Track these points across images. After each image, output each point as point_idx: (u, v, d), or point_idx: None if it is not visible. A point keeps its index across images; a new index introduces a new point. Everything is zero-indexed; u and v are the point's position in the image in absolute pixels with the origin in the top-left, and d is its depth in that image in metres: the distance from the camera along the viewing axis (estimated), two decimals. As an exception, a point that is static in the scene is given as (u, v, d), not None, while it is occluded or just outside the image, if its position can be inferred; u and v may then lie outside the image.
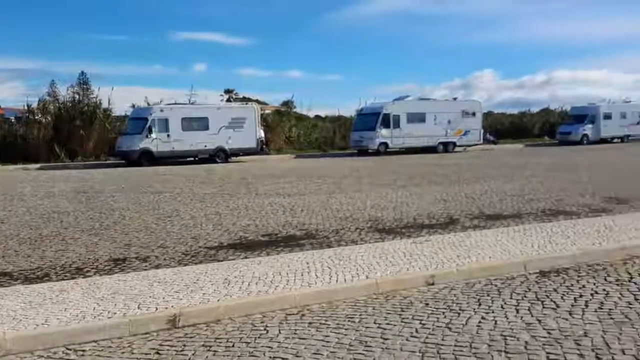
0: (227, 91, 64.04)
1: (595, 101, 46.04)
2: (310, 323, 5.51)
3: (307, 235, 9.72)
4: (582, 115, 43.52)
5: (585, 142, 42.04)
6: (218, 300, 5.97)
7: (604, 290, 6.28)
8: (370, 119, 35.79)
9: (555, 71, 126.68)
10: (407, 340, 4.97)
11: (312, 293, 6.25)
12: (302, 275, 6.89)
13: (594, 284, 6.55)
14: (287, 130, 41.93)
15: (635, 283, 6.52)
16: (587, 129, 42.60)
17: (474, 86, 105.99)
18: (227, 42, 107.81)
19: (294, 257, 7.94)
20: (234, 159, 32.61)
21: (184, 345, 5.04)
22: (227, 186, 18.29)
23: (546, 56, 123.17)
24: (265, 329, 5.38)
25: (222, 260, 7.95)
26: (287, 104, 50.05)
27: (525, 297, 6.13)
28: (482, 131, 39.66)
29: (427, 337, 5.02)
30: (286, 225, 10.66)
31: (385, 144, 35.57)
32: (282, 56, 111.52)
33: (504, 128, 51.72)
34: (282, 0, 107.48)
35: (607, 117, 43.39)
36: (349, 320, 5.53)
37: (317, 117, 50.56)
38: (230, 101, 51.24)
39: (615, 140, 43.85)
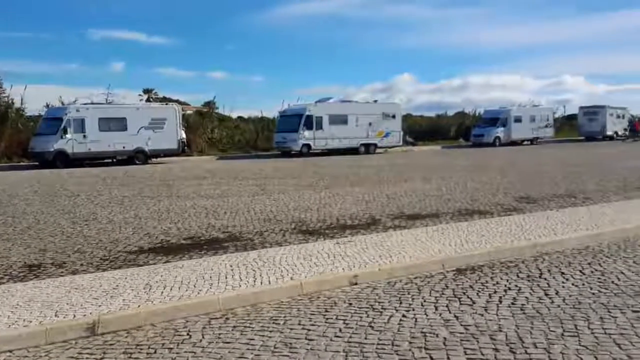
0: (147, 91, 62.49)
1: (507, 105, 48.08)
2: (234, 327, 5.50)
3: (231, 237, 9.66)
4: (494, 119, 45.34)
5: (497, 144, 43.80)
6: (139, 306, 5.85)
7: (517, 286, 6.59)
8: (294, 120, 35.92)
9: (471, 76, 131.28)
10: (331, 340, 5.05)
11: (236, 296, 6.23)
12: (225, 278, 6.85)
13: (507, 280, 6.86)
14: (209, 132, 41.43)
15: (545, 279, 6.88)
16: (499, 132, 44.40)
17: (395, 89, 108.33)
18: (148, 41, 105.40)
19: (217, 260, 7.88)
20: (154, 160, 31.92)
21: (104, 353, 4.92)
22: (147, 188, 17.89)
23: (462, 61, 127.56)
24: (188, 334, 5.33)
25: (142, 265, 7.78)
26: (209, 104, 49.34)
27: (443, 294, 6.35)
28: (402, 133, 40.58)
29: (350, 337, 5.11)
30: (209, 228, 10.56)
31: (308, 146, 35.80)
32: (204, 56, 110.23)
33: (422, 130, 53.09)
34: (205, 0, 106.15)
35: (518, 120, 45.41)
36: (273, 323, 5.56)
37: (240, 118, 50.18)
38: (150, 101, 50.10)
39: (525, 142, 45.92)
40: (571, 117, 60.12)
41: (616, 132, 49.89)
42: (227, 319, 5.75)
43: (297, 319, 5.64)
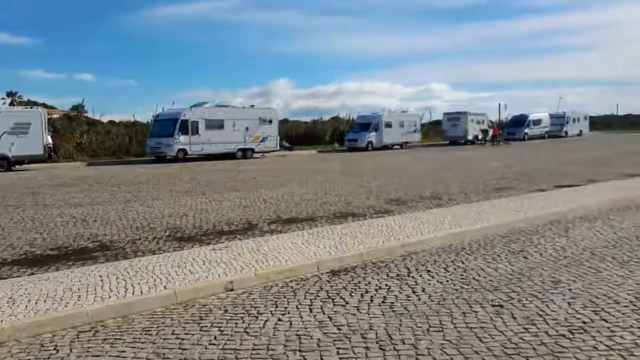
0: (10, 94, 58.28)
1: (379, 111, 49.80)
2: (104, 339, 5.30)
3: (101, 247, 9.30)
4: (367, 124, 46.82)
5: (370, 148, 45.25)
6: (1, 322, 5.49)
7: (387, 285, 6.88)
8: (168, 125, 35.06)
9: (345, 82, 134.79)
10: (205, 348, 5.01)
11: (106, 308, 6.01)
12: (95, 289, 6.59)
13: (378, 280, 7.14)
14: (78, 137, 39.44)
15: (413, 277, 7.23)
16: (372, 137, 45.90)
17: (272, 94, 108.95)
18: (11, 41, 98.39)
19: (86, 270, 7.55)
20: (18, 167, 29.90)
21: (-41, 376, 4.58)
22: (10, 197, 16.75)
23: (337, 68, 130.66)
24: (55, 349, 5.08)
25: (5, 278, 7.32)
26: (78, 108, 47.04)
27: (318, 296, 6.50)
28: (278, 138, 40.85)
29: (225, 343, 5.10)
30: (78, 237, 10.09)
31: (184, 151, 35.08)
32: (73, 58, 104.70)
33: (299, 135, 53.73)
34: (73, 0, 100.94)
35: (389, 125, 47.20)
36: (145, 334, 5.42)
37: (111, 122, 48.13)
38: (14, 105, 46.81)
39: (396, 146, 47.79)
40: (436, 123, 63.41)
41: (476, 137, 53.17)
42: (97, 331, 5.54)
43: (170, 329, 5.54)
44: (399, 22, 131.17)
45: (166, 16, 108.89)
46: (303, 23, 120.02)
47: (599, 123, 77.91)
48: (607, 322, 5.42)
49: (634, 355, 4.62)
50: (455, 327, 5.37)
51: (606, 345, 4.84)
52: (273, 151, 40.14)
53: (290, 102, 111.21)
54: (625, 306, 5.86)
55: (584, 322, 5.42)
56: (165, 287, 6.65)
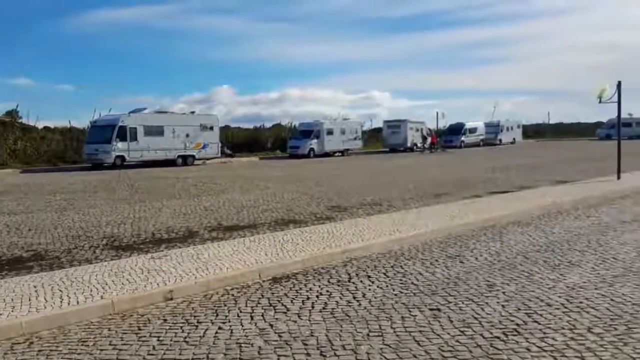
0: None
1: (321, 118, 50.11)
2: (39, 351, 5.16)
3: (36, 256, 9.02)
4: (309, 131, 46.97)
5: (312, 155, 45.42)
6: None
7: (328, 291, 6.94)
8: (106, 131, 34.25)
9: (288, 89, 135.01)
10: (144, 358, 4.94)
11: (41, 319, 5.84)
12: (29, 300, 6.39)
13: (320, 286, 7.19)
14: (11, 143, 38.04)
15: (353, 283, 7.32)
16: (314, 144, 46.09)
17: (214, 101, 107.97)
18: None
19: (20, 281, 7.32)
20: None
21: None
22: None
23: (280, 75, 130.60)
24: (-15, 364, 4.90)
25: None
26: (11, 114, 45.31)
27: (259, 303, 6.49)
28: (220, 144, 40.53)
29: (164, 353, 5.04)
30: (11, 247, 9.76)
31: (122, 157, 34.33)
32: (6, 62, 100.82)
33: (241, 142, 53.43)
34: (6, 1, 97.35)
35: (330, 132, 47.51)
36: (82, 345, 5.30)
37: (47, 128, 46.59)
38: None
39: (337, 154, 48.13)
40: (378, 130, 64.21)
41: (416, 144, 54.14)
42: (32, 343, 5.38)
43: (108, 340, 5.43)
44: (341, 30, 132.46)
45: (104, 20, 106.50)
46: (246, 30, 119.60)
47: (531, 131, 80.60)
48: (539, 324, 5.62)
49: (565, 356, 4.81)
50: (395, 332, 5.47)
51: (538, 347, 5.02)
52: (214, 158, 39.78)
53: (232, 108, 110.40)
54: (557, 308, 6.10)
55: (517, 325, 5.61)
56: (102, 297, 6.51)
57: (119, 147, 34.15)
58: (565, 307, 6.13)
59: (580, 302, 6.28)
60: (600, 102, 19.04)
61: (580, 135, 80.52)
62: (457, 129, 60.12)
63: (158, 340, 5.39)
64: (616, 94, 18.82)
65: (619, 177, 19.06)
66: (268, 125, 63.19)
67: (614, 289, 6.76)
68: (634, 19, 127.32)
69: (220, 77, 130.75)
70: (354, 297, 6.66)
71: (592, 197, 15.15)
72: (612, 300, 6.34)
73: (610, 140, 50.73)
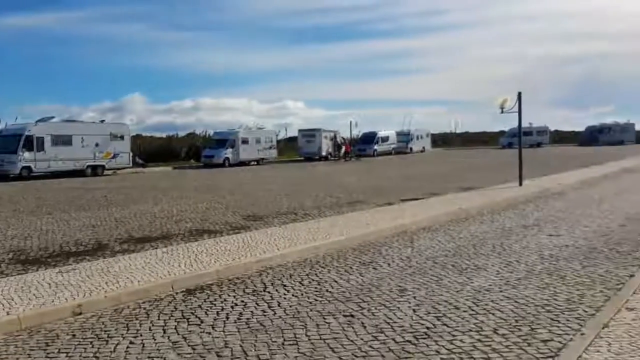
0: None
1: (235, 127, 49.78)
2: None
3: None
4: (223, 140, 46.56)
5: (227, 164, 45.01)
6: None
7: (243, 301, 6.91)
8: (11, 141, 32.64)
9: (202, 98, 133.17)
10: (51, 376, 4.75)
11: (-64, 340, 5.50)
12: None
13: (234, 296, 7.15)
14: None
15: (269, 292, 7.32)
16: (229, 153, 45.71)
17: (125, 109, 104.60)
18: None
19: None
20: None
21: None
22: None
23: (194, 83, 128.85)
24: None
25: None
26: None
27: (172, 316, 6.38)
28: (131, 154, 39.48)
29: (73, 370, 4.86)
30: None
31: (29, 168, 32.77)
32: None
33: (153, 151, 52.26)
34: None
35: (245, 142, 47.28)
36: (-17, 365, 5.03)
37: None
38: None
39: (252, 162, 47.94)
40: (292, 139, 64.46)
41: (330, 153, 54.75)
42: None
43: (14, 357, 5.20)
44: (256, 40, 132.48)
45: (7, 27, 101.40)
46: (157, 38, 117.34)
47: (439, 140, 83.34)
48: (448, 326, 5.83)
49: (472, 357, 5.01)
50: (309, 339, 5.52)
51: (447, 349, 5.21)
52: (125, 168, 38.68)
53: (144, 117, 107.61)
54: (465, 311, 6.34)
55: (427, 328, 5.80)
56: (8, 313, 6.22)
57: (26, 157, 32.61)
58: (472, 310, 6.38)
59: (486, 305, 6.56)
60: (502, 112, 20.01)
61: (485, 143, 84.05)
62: (370, 138, 61.27)
63: (67, 356, 5.20)
64: (517, 105, 19.82)
65: (520, 184, 20.03)
66: (182, 134, 62.23)
67: (518, 291, 7.10)
68: (536, 33, 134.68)
69: (131, 85, 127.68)
70: (269, 307, 6.66)
71: (496, 203, 15.85)
72: (516, 302, 6.65)
73: (512, 149, 53.22)
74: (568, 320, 5.94)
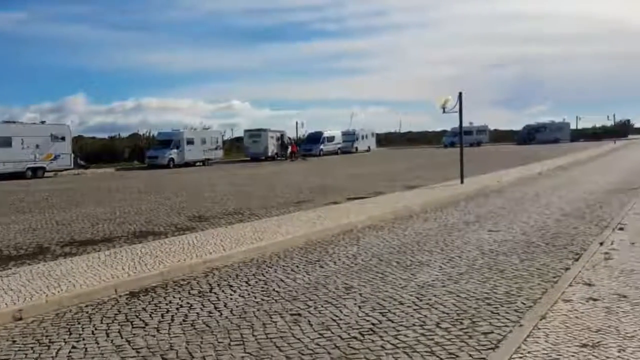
0: None
1: (181, 128, 49.23)
2: None
3: None
4: (168, 141, 45.93)
5: (172, 165, 44.42)
6: None
7: (188, 303, 6.86)
8: (-52, 143, 31.46)
9: (145, 98, 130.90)
10: (-11, 384, 4.62)
11: None
12: None
13: (180, 298, 7.09)
14: None
15: (215, 293, 7.29)
16: (173, 154, 45.11)
17: (67, 110, 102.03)
18: None
19: None
20: None
21: None
22: None
23: (137, 83, 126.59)
24: None
25: None
26: None
27: (115, 319, 6.28)
28: (72, 156, 38.53)
29: (13, 377, 4.74)
30: None
31: (-34, 171, 31.63)
32: None
33: (96, 152, 51.12)
34: None
35: (190, 142, 46.74)
36: None
37: None
38: None
39: (198, 163, 47.44)
40: (239, 139, 64.18)
41: (276, 153, 54.71)
42: None
43: (-53, 368, 5.01)
44: (201, 39, 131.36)
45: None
46: (98, 37, 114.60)
47: (384, 139, 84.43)
48: (392, 322, 5.94)
49: (416, 352, 5.12)
50: (256, 339, 5.53)
51: (392, 344, 5.31)
52: (67, 170, 37.72)
53: (86, 118, 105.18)
54: (409, 306, 6.47)
55: (373, 324, 5.89)
56: (-60, 322, 5.99)
57: (-37, 159, 31.45)
58: (416, 305, 6.52)
59: (430, 300, 6.71)
60: (444, 111, 20.44)
61: (428, 142, 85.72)
62: (316, 138, 61.57)
63: (5, 364, 5.06)
64: (457, 105, 20.27)
65: (462, 182, 20.50)
66: (125, 135, 61.02)
67: (460, 286, 7.29)
68: (476, 34, 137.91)
69: (73, 85, 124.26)
70: (216, 308, 6.64)
71: (439, 201, 16.19)
72: (458, 296, 6.83)
73: (454, 147, 54.42)
74: (507, 313, 6.14)
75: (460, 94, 20.26)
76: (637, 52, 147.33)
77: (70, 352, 5.31)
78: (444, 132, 78.85)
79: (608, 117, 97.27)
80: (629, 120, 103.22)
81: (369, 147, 69.12)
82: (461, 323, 5.85)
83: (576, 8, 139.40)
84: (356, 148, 65.76)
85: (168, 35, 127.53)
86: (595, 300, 6.42)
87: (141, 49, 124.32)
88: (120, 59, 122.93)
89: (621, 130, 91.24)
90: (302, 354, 5.12)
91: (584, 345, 5.06)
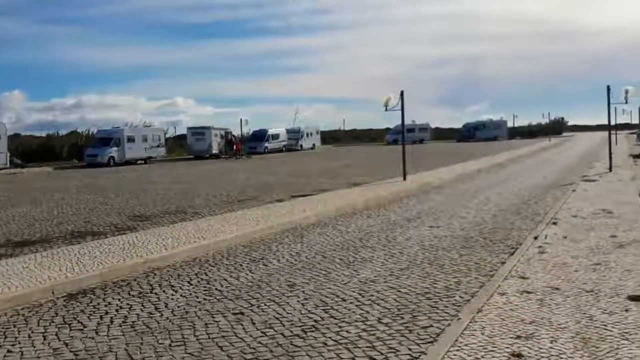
0: None
1: (121, 125, 48.08)
2: None
3: None
4: (108, 138, 44.76)
5: (112, 164, 43.35)
6: None
7: (128, 304, 6.75)
8: None
9: (85, 95, 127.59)
10: None
11: None
12: None
13: (119, 299, 6.97)
14: None
15: (156, 293, 7.20)
16: (114, 152, 43.99)
17: (2, 107, 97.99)
18: None
19: None
20: None
21: None
22: None
23: (76, 79, 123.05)
24: None
25: None
26: None
27: (52, 322, 6.13)
28: (8, 154, 37.21)
29: (-58, 385, 4.57)
30: None
31: None
32: None
33: (33, 151, 49.42)
34: None
35: (131, 140, 45.67)
36: None
37: None
38: None
39: (140, 161, 46.47)
40: (182, 137, 63.19)
41: (221, 151, 54.19)
42: None
43: None
44: (143, 35, 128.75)
45: None
46: (33, 32, 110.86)
47: (328, 137, 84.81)
48: (335, 318, 6.01)
49: (358, 347, 5.20)
50: (198, 339, 5.49)
51: (334, 341, 5.37)
52: (2, 169, 36.39)
53: (23, 115, 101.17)
54: (351, 303, 6.56)
55: (315, 321, 5.94)
56: None
57: None
58: (359, 301, 6.60)
59: (372, 295, 6.81)
60: (386, 109, 20.71)
61: (372, 140, 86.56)
62: (260, 136, 61.26)
63: None
64: (400, 103, 20.57)
65: (404, 179, 20.83)
66: (64, 132, 59.22)
67: (401, 281, 7.43)
68: (418, 34, 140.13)
69: (9, 81, 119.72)
70: (156, 308, 6.55)
71: (382, 197, 16.41)
72: (399, 291, 6.96)
73: (398, 145, 55.17)
74: (446, 307, 6.30)
75: (402, 92, 20.56)
76: (558, 51, 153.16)
77: (5, 356, 5.16)
78: (388, 129, 79.76)
79: (543, 115, 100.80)
80: (562, 118, 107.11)
81: (314, 145, 69.25)
82: (402, 318, 5.97)
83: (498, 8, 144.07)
84: (301, 146, 65.80)
85: (109, 30, 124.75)
86: (529, 292, 6.64)
87: (81, 45, 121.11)
88: (59, 54, 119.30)
89: (556, 127, 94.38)
90: (244, 353, 5.12)
91: (518, 337, 5.23)
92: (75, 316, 6.32)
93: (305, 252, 9.50)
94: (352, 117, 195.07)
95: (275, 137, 62.09)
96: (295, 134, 65.93)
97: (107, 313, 6.41)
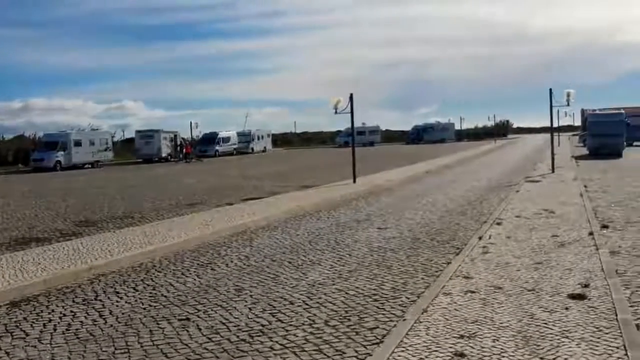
0: None
1: (68, 129, 46.97)
2: None
3: None
4: (54, 142, 43.66)
5: (58, 168, 42.31)
6: None
7: (72, 311, 6.62)
8: None
9: (32, 98, 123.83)
10: None
11: None
12: None
13: (63, 307, 6.82)
14: None
15: (100, 300, 7.07)
16: (60, 156, 42.96)
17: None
18: None
19: None
20: None
21: None
22: None
23: (22, 83, 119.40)
24: None
25: None
26: None
27: (-7, 331, 5.96)
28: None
29: None
30: None
31: None
32: None
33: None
34: None
35: (78, 144, 44.67)
36: None
37: None
38: None
39: (87, 165, 45.48)
40: (130, 141, 62.04)
41: (170, 154, 53.50)
42: None
43: None
44: (91, 37, 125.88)
45: None
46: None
47: (279, 140, 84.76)
48: (282, 322, 6.03)
49: (305, 350, 5.23)
50: (142, 346, 5.43)
51: (281, 345, 5.39)
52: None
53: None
54: (299, 306, 6.58)
55: (262, 325, 5.95)
56: None
57: None
58: (306, 304, 6.64)
59: (320, 298, 6.86)
60: (336, 112, 20.81)
61: (323, 143, 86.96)
62: (211, 139, 60.74)
63: None
64: (349, 105, 20.73)
65: (354, 181, 20.99)
66: (9, 137, 57.47)
67: (349, 283, 7.50)
68: (371, 37, 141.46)
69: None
70: (101, 315, 6.45)
71: (332, 200, 16.50)
72: (347, 293, 7.02)
73: (348, 147, 55.51)
74: (392, 308, 6.39)
75: (351, 95, 20.73)
76: (505, 54, 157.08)
77: (-61, 369, 4.99)
78: (338, 132, 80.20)
79: (489, 117, 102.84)
80: (507, 121, 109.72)
81: (265, 148, 69.08)
82: (349, 320, 6.03)
83: (448, 11, 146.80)
84: (252, 149, 65.54)
85: (56, 33, 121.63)
86: (473, 292, 6.80)
87: (28, 48, 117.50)
88: (5, 57, 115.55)
89: (501, 130, 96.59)
90: (189, 359, 5.08)
91: (462, 337, 5.36)
92: (18, 324, 6.17)
93: (254, 255, 9.48)
94: (303, 119, 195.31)
95: (226, 140, 61.69)
96: (246, 137, 65.67)
97: (50, 321, 6.27)
